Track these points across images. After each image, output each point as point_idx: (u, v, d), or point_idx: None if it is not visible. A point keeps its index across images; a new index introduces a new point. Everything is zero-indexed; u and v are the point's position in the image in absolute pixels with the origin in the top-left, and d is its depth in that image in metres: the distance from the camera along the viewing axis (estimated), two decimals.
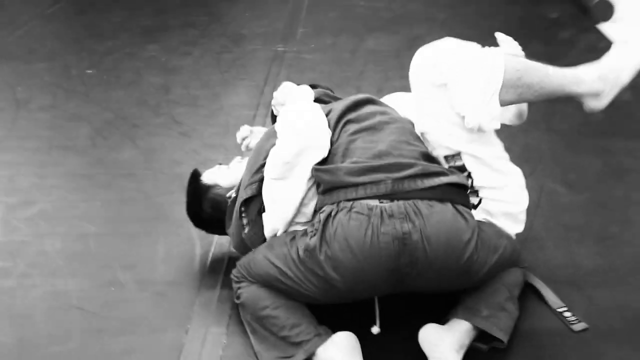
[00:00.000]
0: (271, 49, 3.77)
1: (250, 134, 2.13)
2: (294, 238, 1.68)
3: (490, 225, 1.72)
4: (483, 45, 1.74)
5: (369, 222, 1.55)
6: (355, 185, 1.62)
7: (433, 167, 1.67)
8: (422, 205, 1.58)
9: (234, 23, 4.22)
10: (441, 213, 1.57)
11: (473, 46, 1.71)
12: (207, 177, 2.05)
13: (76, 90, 3.29)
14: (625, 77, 1.72)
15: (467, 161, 1.70)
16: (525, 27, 4.05)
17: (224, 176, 2.03)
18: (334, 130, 1.80)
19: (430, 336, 1.61)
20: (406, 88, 1.85)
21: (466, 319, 1.64)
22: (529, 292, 1.87)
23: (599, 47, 3.56)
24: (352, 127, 1.80)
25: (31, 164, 2.65)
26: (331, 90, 2.20)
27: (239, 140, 2.15)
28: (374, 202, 1.59)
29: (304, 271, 1.62)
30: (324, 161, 1.72)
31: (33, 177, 2.54)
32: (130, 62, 3.62)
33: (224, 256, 2.09)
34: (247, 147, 2.12)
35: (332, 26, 4.11)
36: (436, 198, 1.60)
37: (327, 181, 1.67)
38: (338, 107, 1.90)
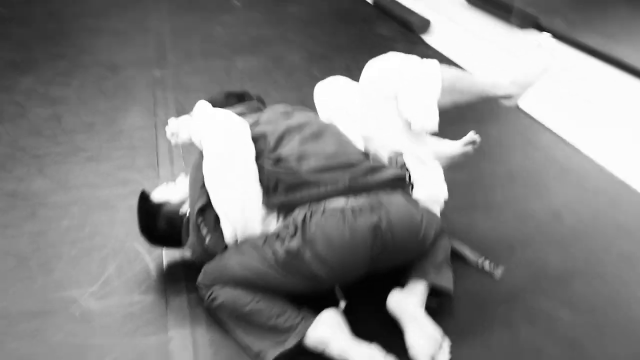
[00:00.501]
0: (148, 74, 3.61)
1: (178, 128, 2.03)
2: (265, 241, 1.66)
3: (425, 207, 1.83)
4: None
5: (344, 220, 1.59)
6: (317, 183, 1.65)
7: (377, 164, 1.75)
8: (380, 197, 1.65)
9: (104, 53, 3.97)
10: (396, 202, 1.66)
11: (414, 60, 1.82)
12: (156, 196, 1.94)
13: None
14: (533, 80, 1.93)
15: (407, 159, 1.81)
16: (366, 43, 4.30)
17: (173, 193, 1.93)
18: (281, 139, 1.80)
19: (399, 301, 1.68)
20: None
21: (421, 279, 1.73)
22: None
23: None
24: (297, 136, 1.82)
25: None
26: (260, 100, 2.19)
27: (168, 135, 2.02)
28: (341, 202, 1.63)
29: (286, 272, 1.61)
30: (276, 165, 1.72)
31: None
32: (8, 96, 3.26)
33: (177, 263, 1.99)
34: (176, 141, 2.02)
35: (199, 51, 4.03)
36: (388, 189, 1.68)
37: (289, 180, 1.67)
38: (273, 117, 1.91)
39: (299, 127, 1.85)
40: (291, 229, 1.61)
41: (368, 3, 5.43)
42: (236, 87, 3.32)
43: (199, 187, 1.75)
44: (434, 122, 1.79)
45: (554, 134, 2.93)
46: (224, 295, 1.69)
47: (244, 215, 1.69)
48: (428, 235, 1.72)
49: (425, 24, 4.55)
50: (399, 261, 1.74)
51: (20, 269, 1.94)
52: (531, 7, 4.70)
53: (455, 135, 2.25)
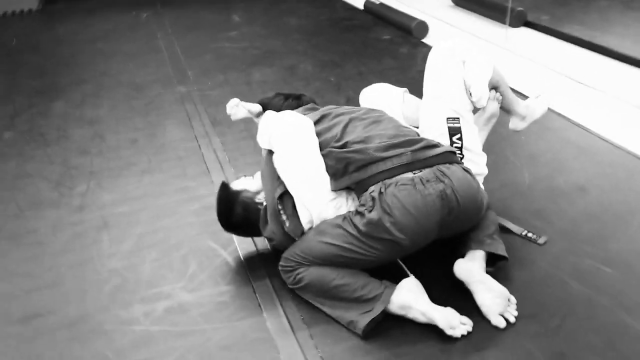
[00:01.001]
0: (173, 91, 3.80)
1: (238, 106, 2.37)
2: (344, 219, 1.86)
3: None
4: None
5: (416, 189, 1.81)
6: (384, 159, 1.87)
7: (432, 141, 1.98)
8: (443, 168, 1.87)
9: (124, 74, 4.15)
10: (456, 171, 1.89)
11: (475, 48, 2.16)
12: (235, 185, 2.13)
13: (6, 153, 3.06)
14: (538, 114, 2.40)
15: (462, 124, 2.05)
16: (370, 48, 4.54)
17: (250, 183, 2.13)
18: (345, 128, 2.02)
19: (465, 267, 1.90)
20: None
21: (479, 248, 1.95)
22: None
23: None
24: (359, 123, 2.04)
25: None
26: (314, 101, 2.40)
27: (229, 111, 2.37)
28: (410, 175, 1.85)
29: (368, 241, 1.81)
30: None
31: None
32: (46, 120, 3.43)
33: (253, 254, 2.18)
34: (237, 115, 2.37)
35: (215, 67, 4.23)
36: (447, 161, 1.91)
37: (359, 159, 1.89)
38: (333, 112, 2.13)
39: (360, 117, 2.07)
40: (369, 204, 1.81)
41: (361, 11, 5.69)
42: (258, 97, 3.56)
43: (274, 178, 1.95)
44: (486, 94, 2.11)
45: (564, 117, 3.19)
46: (309, 275, 1.88)
47: (317, 200, 1.90)
48: (483, 202, 1.95)
49: (423, 27, 4.81)
50: (461, 226, 1.95)
51: (110, 275, 2.11)
52: (520, 6, 4.99)
53: None
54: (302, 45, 4.69)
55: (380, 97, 2.34)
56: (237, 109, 2.39)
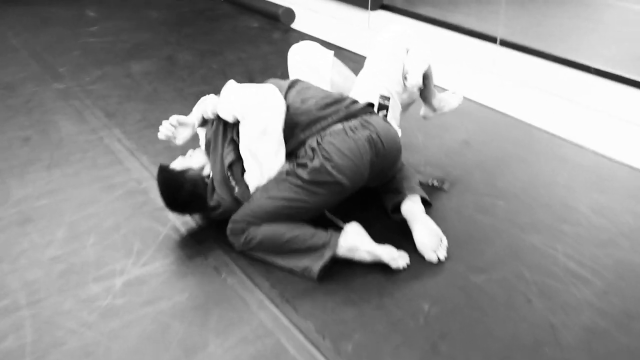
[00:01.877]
0: (50, 88, 3.79)
1: (178, 125, 2.38)
2: (287, 174, 2.15)
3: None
4: None
5: (347, 135, 2.17)
6: (325, 117, 2.21)
7: (354, 99, 2.36)
8: (366, 117, 2.26)
9: None
10: (378, 120, 2.29)
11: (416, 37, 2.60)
12: (176, 165, 2.32)
13: None
14: (447, 109, 2.92)
15: (391, 104, 2.44)
16: (243, 35, 4.83)
17: (190, 161, 2.33)
18: (285, 95, 2.31)
19: (410, 206, 2.30)
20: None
21: (415, 193, 2.35)
22: None
23: (305, 39, 4.62)
24: (293, 90, 2.34)
25: None
26: None
27: (165, 135, 2.36)
28: (340, 125, 2.20)
29: (312, 188, 2.11)
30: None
31: None
32: None
33: (193, 229, 2.39)
34: (180, 139, 2.39)
35: (87, 62, 4.25)
36: (369, 113, 2.29)
37: (305, 120, 2.20)
38: (273, 81, 2.41)
39: (292, 86, 2.37)
40: (309, 154, 2.13)
41: (222, 2, 5.95)
42: (147, 88, 3.70)
43: (223, 147, 2.19)
44: (418, 84, 2.58)
45: (439, 87, 3.73)
46: (260, 233, 2.15)
47: (276, 166, 2.16)
48: (401, 146, 2.36)
49: (290, 14, 5.19)
50: (388, 167, 2.33)
51: (52, 262, 2.21)
52: None
53: None
54: (173, 36, 4.84)
55: (310, 58, 2.66)
56: (181, 128, 2.36)
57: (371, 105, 2.37)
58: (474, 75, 4.06)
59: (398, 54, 2.57)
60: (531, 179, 2.74)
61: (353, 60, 4.04)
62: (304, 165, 2.13)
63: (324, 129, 2.19)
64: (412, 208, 2.30)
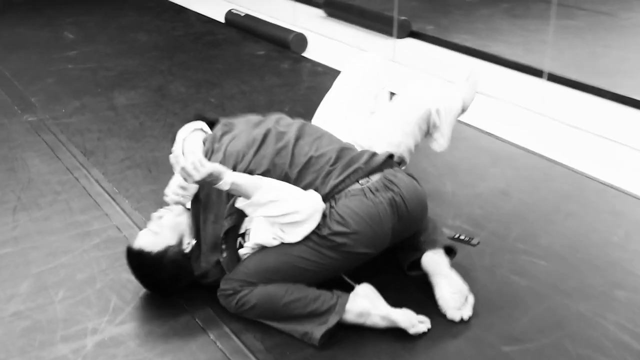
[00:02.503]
0: (20, 120, 4.00)
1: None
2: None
3: None
4: None
5: (367, 197, 2.29)
6: (341, 176, 2.35)
7: (372, 150, 2.51)
8: (389, 176, 2.39)
9: None
10: (403, 178, 2.42)
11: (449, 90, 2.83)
12: (150, 246, 2.35)
13: None
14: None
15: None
16: (246, 64, 5.05)
17: (167, 236, 2.38)
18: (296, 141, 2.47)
19: (433, 258, 2.41)
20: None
21: (437, 247, 2.47)
22: None
23: (319, 71, 4.84)
24: (304, 142, 2.48)
25: None
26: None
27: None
28: (358, 185, 2.33)
29: (326, 251, 2.24)
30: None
31: None
32: None
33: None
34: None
35: (63, 91, 4.48)
36: (390, 166, 2.43)
37: (315, 177, 2.36)
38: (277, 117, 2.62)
39: (301, 133, 2.51)
40: (322, 222, 2.23)
41: (222, 24, 6.22)
42: (132, 122, 3.90)
43: (221, 207, 2.37)
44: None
45: (473, 127, 3.89)
46: (254, 296, 2.25)
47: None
48: (427, 205, 2.48)
49: (302, 41, 5.43)
50: (409, 231, 2.45)
51: (14, 319, 2.34)
52: (404, 15, 5.80)
53: None
54: (164, 64, 5.08)
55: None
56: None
57: (391, 156, 2.52)
58: (516, 114, 4.21)
59: (421, 123, 2.74)
60: (580, 237, 2.84)
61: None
62: (314, 231, 2.25)
63: (339, 190, 2.32)
64: (433, 260, 2.41)
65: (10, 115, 4.07)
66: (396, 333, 2.25)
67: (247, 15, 6.02)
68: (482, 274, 2.59)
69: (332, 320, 2.22)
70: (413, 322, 2.24)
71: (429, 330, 2.27)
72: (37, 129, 3.88)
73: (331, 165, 2.38)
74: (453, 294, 2.33)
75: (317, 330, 2.21)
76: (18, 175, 3.35)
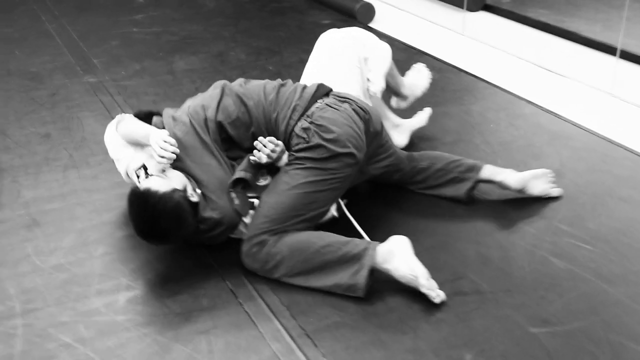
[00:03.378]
0: (81, 81, 4.19)
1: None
2: (290, 164, 2.49)
3: None
4: None
5: (332, 108, 2.56)
6: (299, 101, 2.62)
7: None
8: (337, 95, 2.68)
9: (11, 62, 4.49)
10: (349, 94, 2.72)
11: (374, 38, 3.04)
12: (157, 186, 2.38)
13: None
14: (419, 92, 3.33)
15: None
16: (309, 33, 5.10)
17: (174, 181, 2.45)
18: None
19: (515, 174, 2.89)
20: None
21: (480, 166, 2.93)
22: None
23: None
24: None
25: None
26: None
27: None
28: (317, 104, 2.59)
29: (322, 164, 2.45)
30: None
31: None
32: None
33: (213, 247, 2.63)
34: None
35: (126, 54, 4.66)
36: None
37: (275, 112, 2.61)
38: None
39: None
40: (303, 136, 2.48)
41: None
42: (188, 87, 4.03)
43: (221, 155, 2.55)
44: (382, 88, 2.99)
45: (534, 104, 3.86)
46: (284, 245, 2.39)
47: None
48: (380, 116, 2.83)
49: (369, 10, 5.45)
50: (377, 138, 2.70)
51: (54, 271, 2.51)
52: None
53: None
54: (228, 30, 5.20)
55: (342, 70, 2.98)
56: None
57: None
58: (583, 93, 4.14)
59: (359, 62, 2.95)
60: (631, 222, 2.81)
61: (437, 70, 4.24)
62: (304, 149, 2.46)
63: (305, 111, 2.55)
64: (516, 175, 2.87)
65: (71, 76, 4.27)
66: (420, 306, 2.31)
67: None
68: (521, 254, 2.61)
69: (367, 262, 2.32)
70: (432, 285, 2.30)
71: (442, 302, 2.32)
72: (96, 89, 4.06)
73: (296, 100, 2.61)
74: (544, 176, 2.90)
75: (358, 279, 2.32)
76: (72, 133, 3.53)
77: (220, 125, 2.58)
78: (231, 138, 2.60)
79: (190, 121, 2.57)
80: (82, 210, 2.87)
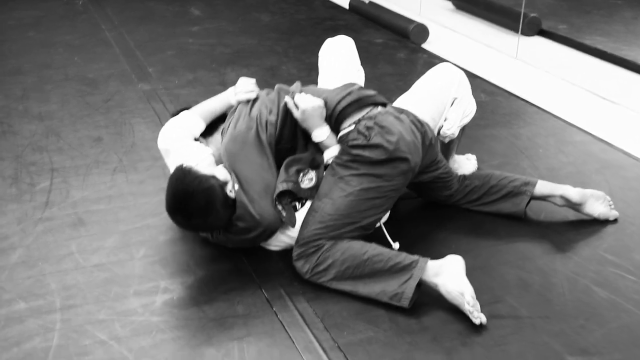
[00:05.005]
0: (135, 88, 4.28)
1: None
2: (340, 167, 2.53)
3: None
4: None
5: (392, 116, 2.59)
6: (365, 101, 2.69)
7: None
8: (395, 105, 2.79)
9: (70, 67, 4.62)
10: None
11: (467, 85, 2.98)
12: (200, 168, 2.45)
13: None
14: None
15: None
16: (362, 51, 5.09)
17: (216, 171, 2.51)
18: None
19: (574, 189, 2.90)
20: None
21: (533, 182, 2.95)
22: None
23: (435, 63, 4.85)
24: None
25: None
26: None
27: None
28: (377, 109, 2.63)
29: (379, 170, 2.48)
30: None
31: None
32: None
33: (252, 255, 2.64)
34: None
35: (180, 64, 4.74)
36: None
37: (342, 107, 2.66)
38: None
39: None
40: (364, 132, 2.51)
41: (346, 10, 6.33)
42: None
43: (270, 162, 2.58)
44: (453, 135, 2.96)
45: (585, 132, 3.80)
46: (337, 251, 2.42)
47: None
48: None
49: (422, 31, 5.45)
50: (431, 152, 2.73)
51: (95, 269, 2.56)
52: (534, 12, 5.70)
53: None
54: (281, 45, 5.26)
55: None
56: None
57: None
58: (638, 122, 4.07)
59: (447, 96, 2.88)
60: None
61: (488, 93, 4.22)
62: (362, 147, 2.50)
63: (368, 111, 2.61)
64: (576, 189, 2.87)
65: (127, 83, 4.36)
66: (455, 327, 2.28)
67: (371, 3, 6.11)
68: (562, 280, 2.56)
69: (417, 273, 2.34)
70: (477, 306, 2.29)
71: (485, 325, 2.29)
72: (149, 97, 4.14)
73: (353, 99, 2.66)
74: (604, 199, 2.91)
75: (406, 289, 2.33)
76: (124, 139, 3.60)
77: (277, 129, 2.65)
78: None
79: (256, 117, 2.64)
80: (127, 213, 2.91)
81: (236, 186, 2.51)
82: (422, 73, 2.99)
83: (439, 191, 2.92)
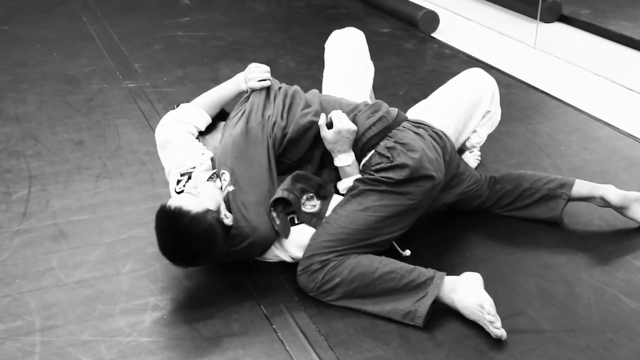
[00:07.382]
0: (119, 86, 4.28)
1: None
2: (365, 182, 2.53)
3: None
4: None
5: (413, 132, 2.62)
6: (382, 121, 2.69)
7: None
8: (412, 120, 2.74)
9: (49, 65, 4.61)
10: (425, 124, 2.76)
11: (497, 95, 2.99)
12: (190, 205, 2.35)
13: None
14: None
15: None
16: (367, 42, 5.12)
17: (207, 201, 2.43)
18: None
19: (616, 191, 2.84)
20: None
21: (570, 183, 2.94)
22: None
23: (446, 53, 4.86)
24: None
25: None
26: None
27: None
28: (399, 127, 2.66)
29: (402, 188, 2.49)
30: None
31: None
32: None
33: (249, 266, 2.64)
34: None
35: (168, 59, 4.74)
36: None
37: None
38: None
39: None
40: (387, 155, 2.53)
41: None
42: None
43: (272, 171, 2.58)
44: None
45: (611, 126, 3.79)
46: (345, 268, 2.40)
47: None
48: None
49: (432, 19, 5.44)
50: (452, 163, 2.72)
51: (78, 286, 2.55)
52: None
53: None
54: (278, 36, 5.26)
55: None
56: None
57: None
58: None
59: (478, 109, 2.92)
60: None
61: (504, 85, 4.20)
62: (386, 169, 2.51)
63: (388, 131, 2.63)
64: (618, 192, 2.82)
65: (110, 81, 4.36)
66: (471, 343, 2.27)
67: None
68: (589, 291, 2.55)
69: (433, 291, 2.34)
70: (497, 318, 2.28)
71: (506, 340, 2.28)
72: (135, 95, 4.14)
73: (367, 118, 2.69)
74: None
75: (420, 307, 2.33)
76: (107, 142, 3.60)
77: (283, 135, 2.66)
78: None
79: (268, 119, 2.66)
80: (112, 223, 2.91)
81: (230, 187, 2.50)
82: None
83: (469, 202, 2.91)
